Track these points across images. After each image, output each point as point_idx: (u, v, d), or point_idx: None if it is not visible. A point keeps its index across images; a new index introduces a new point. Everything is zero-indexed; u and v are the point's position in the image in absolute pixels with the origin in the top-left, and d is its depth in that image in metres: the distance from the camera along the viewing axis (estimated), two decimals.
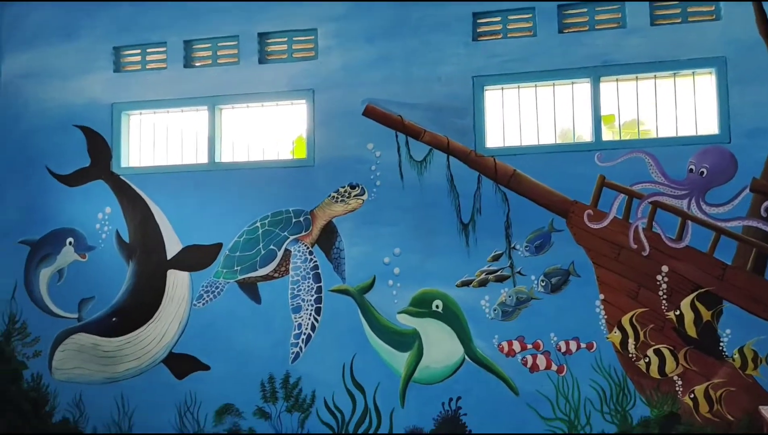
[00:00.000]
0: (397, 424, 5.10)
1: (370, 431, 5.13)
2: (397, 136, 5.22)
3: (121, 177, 5.64)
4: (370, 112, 5.26)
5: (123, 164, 5.70)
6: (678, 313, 4.72)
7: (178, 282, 5.50)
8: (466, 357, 5.03)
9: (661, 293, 4.77)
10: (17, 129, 5.82)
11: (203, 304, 5.45)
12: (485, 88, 5.17)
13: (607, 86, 5.06)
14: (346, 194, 5.27)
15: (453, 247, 5.10)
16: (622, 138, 5.08)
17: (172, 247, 5.52)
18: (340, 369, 5.20)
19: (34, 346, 5.67)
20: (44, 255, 5.70)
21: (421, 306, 5.13)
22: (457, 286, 5.07)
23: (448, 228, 5.12)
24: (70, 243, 5.66)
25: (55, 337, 5.64)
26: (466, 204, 5.11)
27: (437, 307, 5.10)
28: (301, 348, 5.28)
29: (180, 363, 5.44)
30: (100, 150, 5.68)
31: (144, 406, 5.47)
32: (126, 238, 5.59)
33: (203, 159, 5.64)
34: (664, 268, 4.77)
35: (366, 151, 5.26)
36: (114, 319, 5.57)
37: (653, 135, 5.02)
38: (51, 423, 5.58)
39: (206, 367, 5.41)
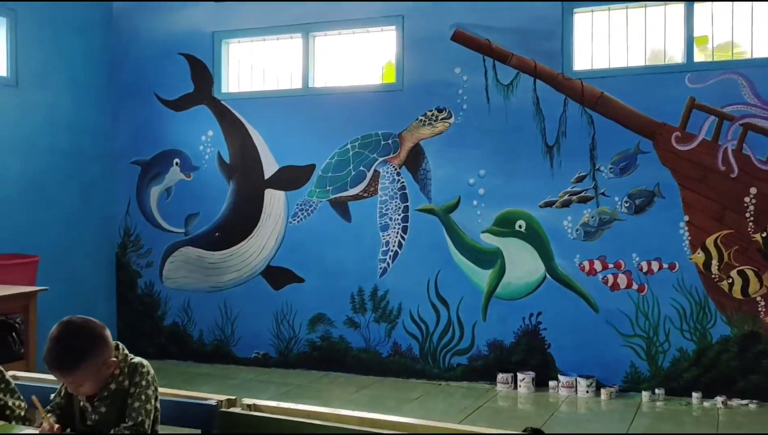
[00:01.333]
0: (478, 336, 5.38)
1: (453, 342, 5.44)
2: (484, 60, 5.33)
3: (222, 102, 6.02)
4: (458, 37, 5.38)
5: (223, 90, 6.08)
6: (765, 235, 4.73)
7: (274, 200, 5.90)
8: (547, 275, 5.22)
9: (747, 215, 4.77)
10: (129, 58, 6.27)
11: (298, 221, 5.84)
12: (574, 11, 5.19)
13: (701, 6, 4.98)
14: (434, 118, 5.46)
15: (537, 169, 5.24)
16: (715, 60, 5.01)
17: (269, 167, 5.90)
18: (425, 284, 5.50)
19: (146, 258, 6.24)
20: (154, 174, 6.21)
21: (504, 226, 5.32)
22: (540, 206, 5.23)
23: (533, 151, 5.25)
24: (176, 163, 6.13)
25: (165, 249, 6.19)
26: (552, 127, 5.21)
27: (520, 226, 5.28)
28: (388, 264, 5.60)
29: (277, 275, 5.89)
30: (203, 77, 6.06)
31: (244, 314, 5.97)
32: (227, 159, 6.01)
33: (297, 84, 5.93)
34: (753, 190, 4.76)
35: (453, 75, 5.41)
36: (217, 234, 6.05)
37: (747, 57, 4.93)
38: (163, 325, 6.18)
39: (301, 280, 5.83)
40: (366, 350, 5.66)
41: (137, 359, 2.36)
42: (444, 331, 5.47)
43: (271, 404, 2.59)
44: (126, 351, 2.37)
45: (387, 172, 5.59)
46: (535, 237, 5.24)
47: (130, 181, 6.28)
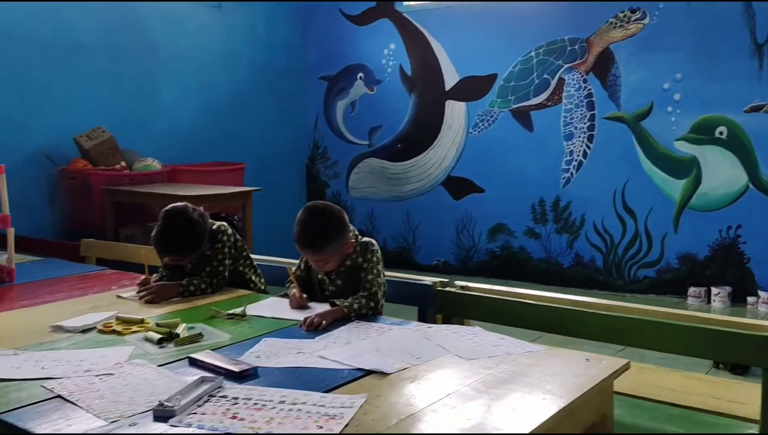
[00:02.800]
0: (668, 248, 5.19)
1: (640, 254, 5.29)
2: None
3: (404, 14, 6.10)
4: None
5: (405, 2, 6.14)
6: None
7: (455, 111, 5.96)
8: (750, 185, 4.87)
9: None
10: None
11: (478, 132, 5.87)
12: None
13: None
14: (626, 19, 5.16)
15: (742, 70, 4.82)
16: None
17: (450, 78, 5.94)
18: (611, 194, 5.36)
19: (333, 169, 6.62)
20: (339, 89, 6.50)
21: (701, 133, 5.00)
22: (745, 111, 4.83)
23: (738, 50, 4.83)
24: (360, 78, 6.36)
25: (350, 160, 6.52)
26: (763, 23, 4.73)
27: (720, 133, 4.94)
28: (572, 174, 5.50)
29: (457, 185, 6.01)
30: None
31: (426, 222, 6.20)
32: (408, 72, 6.13)
33: None
34: None
35: None
36: (399, 145, 6.25)
37: None
38: None
39: (481, 190, 5.92)
40: (547, 261, 5.68)
41: (366, 239, 2.60)
42: (630, 243, 5.34)
43: (482, 286, 2.73)
44: (356, 232, 2.61)
45: (573, 80, 5.42)
46: (737, 144, 4.88)
47: (318, 96, 6.62)
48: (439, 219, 6.11)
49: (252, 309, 2.47)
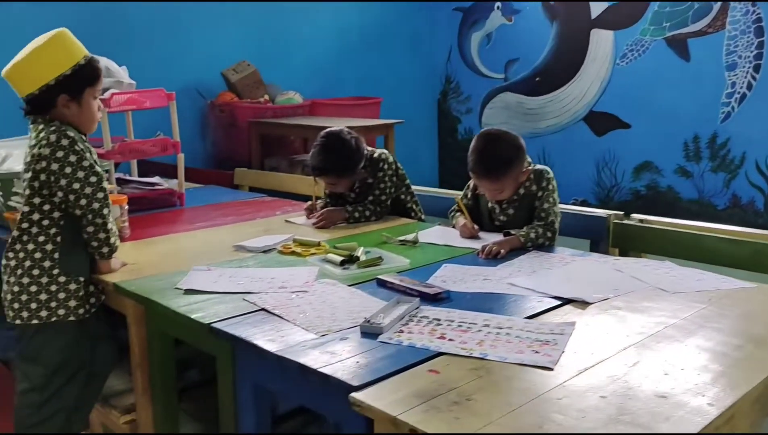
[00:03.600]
0: None
1: None
2: None
3: None
4: None
5: None
6: None
7: (601, 41, 5.59)
8: None
9: None
10: None
11: (626, 63, 5.48)
12: None
13: None
14: None
15: None
16: None
17: (596, 5, 5.55)
18: None
19: (466, 104, 6.45)
20: (474, 20, 6.25)
21: None
22: None
23: None
24: (497, 8, 6.08)
25: (484, 95, 6.32)
26: None
27: None
28: (733, 108, 5.05)
29: (600, 121, 5.69)
30: None
31: (563, 160, 5.93)
32: None
33: None
34: None
35: None
36: (537, 78, 5.97)
37: None
38: None
39: (626, 126, 5.57)
40: (698, 201, 5.30)
41: (541, 166, 2.49)
42: None
43: (662, 219, 2.56)
44: (529, 158, 2.49)
45: (739, 3, 4.91)
46: None
47: (452, 29, 6.41)
48: (577, 156, 5.83)
49: (422, 236, 2.44)
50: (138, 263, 2.17)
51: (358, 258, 2.13)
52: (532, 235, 2.30)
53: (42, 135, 1.94)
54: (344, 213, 2.69)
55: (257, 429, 1.62)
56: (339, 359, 1.42)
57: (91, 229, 1.98)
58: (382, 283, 1.92)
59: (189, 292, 1.87)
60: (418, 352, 1.45)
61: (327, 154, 2.61)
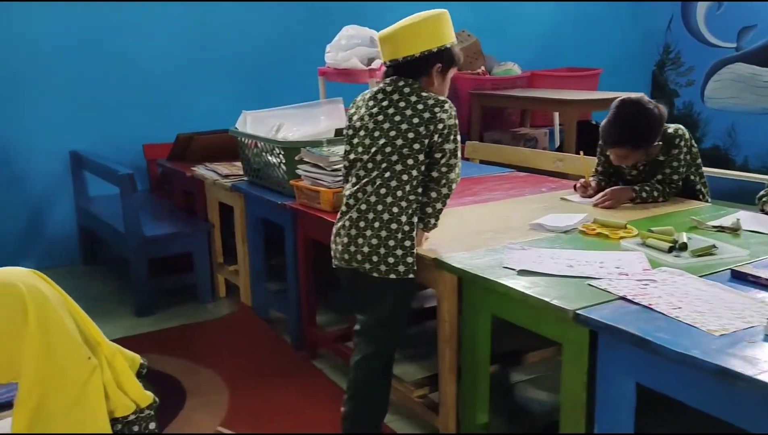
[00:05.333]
0: None
1: None
2: None
3: None
4: None
5: None
6: None
7: None
8: None
9: None
10: None
11: None
12: None
13: None
14: None
15: None
16: None
17: None
18: None
19: (687, 76, 5.91)
20: None
21: None
22: None
23: None
24: None
25: (710, 66, 5.75)
26: None
27: None
28: None
29: None
30: None
31: None
32: None
33: None
34: None
35: None
36: None
37: None
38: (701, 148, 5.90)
39: None
40: None
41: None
42: None
43: None
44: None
45: None
46: None
47: None
48: None
49: (728, 222, 2.16)
50: (432, 237, 2.07)
51: (685, 245, 1.92)
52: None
53: (418, 98, 1.91)
54: (631, 192, 2.48)
55: (618, 428, 1.49)
56: (763, 369, 1.23)
57: (434, 194, 1.94)
58: (740, 276, 1.70)
59: (522, 272, 1.76)
60: None
61: (625, 124, 2.39)
